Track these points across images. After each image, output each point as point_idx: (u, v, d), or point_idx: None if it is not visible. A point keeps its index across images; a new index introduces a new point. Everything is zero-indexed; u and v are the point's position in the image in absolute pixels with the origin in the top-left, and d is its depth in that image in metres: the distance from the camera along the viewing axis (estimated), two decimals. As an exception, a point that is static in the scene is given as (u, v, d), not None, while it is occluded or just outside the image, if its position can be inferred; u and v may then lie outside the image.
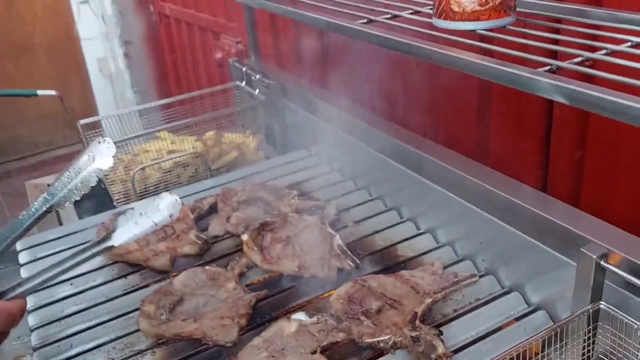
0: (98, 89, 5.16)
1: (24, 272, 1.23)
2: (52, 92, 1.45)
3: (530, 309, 0.95)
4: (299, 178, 1.48)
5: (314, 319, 0.95)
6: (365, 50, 1.50)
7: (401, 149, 1.24)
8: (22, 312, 0.80)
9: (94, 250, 0.79)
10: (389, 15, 0.82)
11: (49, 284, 1.16)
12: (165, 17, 3.41)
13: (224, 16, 2.63)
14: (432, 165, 1.14)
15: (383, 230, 1.22)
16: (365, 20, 0.82)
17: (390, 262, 1.12)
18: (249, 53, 1.88)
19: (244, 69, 1.73)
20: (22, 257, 1.27)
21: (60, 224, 1.49)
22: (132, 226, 0.78)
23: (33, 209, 0.82)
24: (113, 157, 0.82)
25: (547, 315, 0.92)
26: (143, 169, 1.51)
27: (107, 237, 0.79)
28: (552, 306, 0.92)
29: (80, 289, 1.15)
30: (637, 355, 0.70)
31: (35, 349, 1.02)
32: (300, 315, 0.96)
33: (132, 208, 0.79)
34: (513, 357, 0.71)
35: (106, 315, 1.07)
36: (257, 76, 1.66)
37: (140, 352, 0.97)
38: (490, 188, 1.00)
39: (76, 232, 1.33)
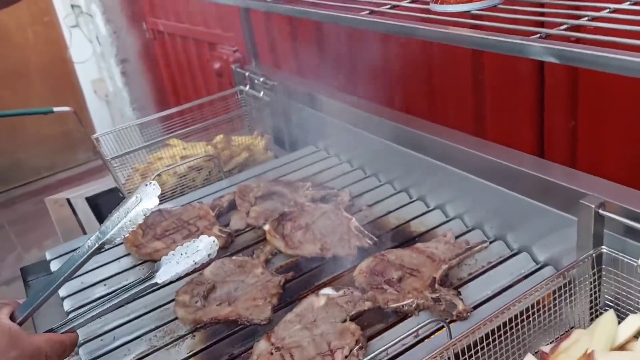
0: (94, 110, 5.24)
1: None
2: (67, 109, 1.52)
3: (538, 266, 1.03)
4: (310, 172, 1.55)
5: (341, 292, 1.03)
6: (360, 41, 1.58)
7: (404, 133, 1.31)
8: (74, 344, 0.88)
9: (140, 287, 0.90)
10: (389, 6, 0.90)
11: (84, 286, 1.25)
12: (158, 33, 3.49)
13: (220, 27, 2.71)
14: (435, 145, 1.22)
15: (395, 210, 1.30)
16: (368, 12, 0.90)
17: (405, 238, 1.20)
18: (249, 59, 1.96)
19: (247, 73, 1.81)
20: (53, 266, 1.34)
21: (85, 232, 1.55)
22: (174, 265, 0.88)
23: (87, 246, 0.91)
24: (158, 196, 0.92)
25: (555, 269, 1.00)
26: (159, 174, 1.58)
27: (151, 276, 0.88)
28: (559, 261, 1.00)
29: (114, 288, 1.22)
30: (640, 289, 0.77)
31: (79, 345, 1.08)
32: (328, 290, 1.04)
33: (174, 250, 0.89)
34: (528, 306, 0.79)
35: (143, 309, 1.14)
36: (261, 79, 1.73)
37: (181, 337, 1.04)
38: (491, 158, 1.08)
39: (104, 237, 1.40)
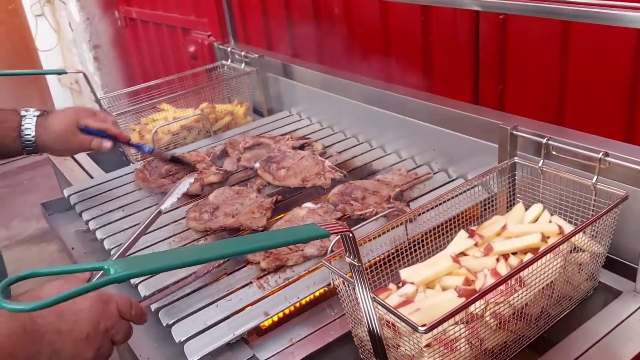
0: (57, 99, 5.37)
1: (78, 208, 1.52)
2: (78, 70, 1.75)
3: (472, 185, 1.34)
4: (286, 130, 1.83)
5: (319, 205, 1.32)
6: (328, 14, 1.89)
7: (364, 92, 1.61)
8: (140, 315, 0.93)
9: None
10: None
11: (105, 211, 1.48)
12: (131, 20, 3.70)
13: (194, 13, 2.96)
14: (391, 99, 1.53)
15: (360, 155, 1.60)
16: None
17: (368, 173, 1.50)
18: (227, 38, 2.23)
19: (229, 49, 2.08)
20: (73, 200, 1.56)
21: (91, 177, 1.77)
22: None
23: (149, 212, 1.13)
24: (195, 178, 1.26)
25: (483, 187, 1.32)
26: (156, 131, 1.83)
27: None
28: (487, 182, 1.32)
29: (130, 212, 1.47)
30: (540, 185, 1.10)
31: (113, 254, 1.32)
32: (309, 204, 1.33)
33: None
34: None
35: (158, 225, 1.38)
36: (242, 53, 2.01)
37: (195, 239, 1.30)
38: (435, 105, 1.39)
39: (115, 178, 1.64)
